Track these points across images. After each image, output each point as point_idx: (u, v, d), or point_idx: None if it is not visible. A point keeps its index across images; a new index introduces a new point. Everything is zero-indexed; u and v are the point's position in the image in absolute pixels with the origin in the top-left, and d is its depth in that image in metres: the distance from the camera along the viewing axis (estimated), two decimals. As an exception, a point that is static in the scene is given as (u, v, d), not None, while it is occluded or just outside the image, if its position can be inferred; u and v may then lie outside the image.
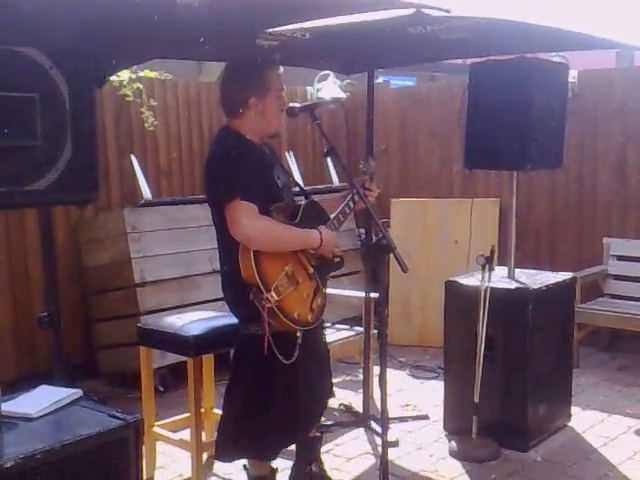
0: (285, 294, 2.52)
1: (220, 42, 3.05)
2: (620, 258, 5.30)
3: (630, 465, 3.47)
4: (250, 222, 2.49)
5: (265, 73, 2.69)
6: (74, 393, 2.28)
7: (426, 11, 2.81)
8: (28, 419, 2.12)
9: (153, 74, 5.31)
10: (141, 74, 5.15)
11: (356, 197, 2.82)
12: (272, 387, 2.65)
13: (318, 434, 3.06)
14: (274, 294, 2.48)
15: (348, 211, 2.87)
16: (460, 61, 6.26)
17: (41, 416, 2.14)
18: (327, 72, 5.94)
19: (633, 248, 5.24)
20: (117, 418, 2.12)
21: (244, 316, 2.67)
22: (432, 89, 6.54)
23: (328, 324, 4.24)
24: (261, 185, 2.59)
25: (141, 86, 5.11)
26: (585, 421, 4.02)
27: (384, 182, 4.66)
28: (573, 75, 5.23)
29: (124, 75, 4.97)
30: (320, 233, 2.69)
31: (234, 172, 2.53)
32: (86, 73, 2.65)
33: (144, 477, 2.40)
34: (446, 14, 2.85)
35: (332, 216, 2.84)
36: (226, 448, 2.76)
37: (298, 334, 2.60)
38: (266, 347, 2.50)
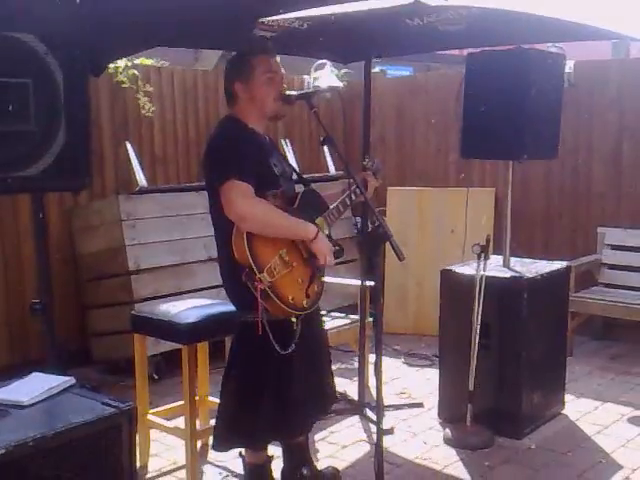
0: (278, 277, 2.52)
1: (217, 30, 3.05)
2: (614, 247, 5.30)
3: (623, 452, 3.49)
4: (244, 202, 2.48)
5: (249, 58, 2.71)
6: (67, 381, 2.27)
7: (423, 0, 2.80)
8: (20, 407, 2.10)
9: (149, 62, 5.27)
10: (137, 62, 5.12)
11: (357, 190, 2.83)
12: (265, 377, 2.65)
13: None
14: (267, 275, 2.47)
15: (349, 202, 2.88)
16: (457, 52, 6.24)
17: (33, 404, 2.13)
18: (324, 61, 5.91)
19: (627, 237, 5.25)
20: (110, 406, 2.10)
21: (240, 303, 2.67)
22: (429, 79, 6.52)
23: (323, 312, 4.24)
24: (258, 170, 2.58)
25: (137, 73, 5.08)
26: (579, 409, 4.04)
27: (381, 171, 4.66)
28: (569, 66, 5.22)
29: (120, 62, 4.94)
30: (317, 228, 2.68)
31: (231, 154, 2.55)
32: (81, 60, 2.63)
33: (138, 465, 2.41)
34: (444, 3, 2.85)
35: (331, 206, 2.85)
36: (221, 437, 2.76)
37: (293, 319, 2.60)
38: (260, 330, 2.50)
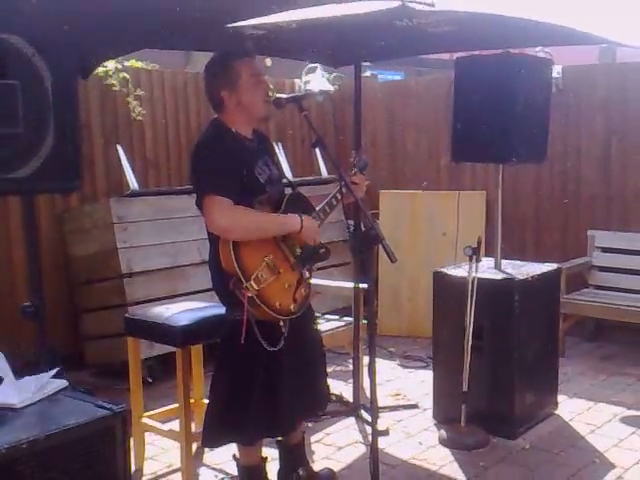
0: (265, 284, 2.53)
1: (201, 31, 3.03)
2: (604, 250, 5.33)
3: (616, 452, 3.50)
4: (221, 215, 2.51)
5: (232, 64, 2.69)
6: (60, 383, 2.27)
7: (410, 4, 2.81)
8: (13, 409, 2.09)
9: (139, 64, 5.26)
10: (127, 64, 5.11)
11: (344, 190, 2.81)
12: (255, 373, 2.66)
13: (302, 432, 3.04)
14: (254, 284, 2.49)
15: (335, 203, 2.87)
16: (447, 56, 6.26)
17: (26, 406, 2.12)
18: (315, 65, 5.92)
19: (617, 240, 5.28)
20: (103, 408, 2.09)
21: (230, 302, 2.67)
22: (419, 83, 6.54)
23: (318, 314, 4.23)
24: (240, 182, 2.60)
25: (127, 76, 5.07)
26: (571, 409, 4.05)
27: (373, 174, 4.66)
28: (558, 70, 5.26)
29: (110, 65, 4.93)
30: (301, 219, 2.69)
31: (211, 166, 2.57)
32: (70, 62, 2.63)
33: (132, 468, 2.40)
34: (430, 8, 2.86)
35: (318, 207, 2.84)
36: (210, 433, 2.76)
37: (281, 323, 2.62)
38: (244, 334, 2.52)
